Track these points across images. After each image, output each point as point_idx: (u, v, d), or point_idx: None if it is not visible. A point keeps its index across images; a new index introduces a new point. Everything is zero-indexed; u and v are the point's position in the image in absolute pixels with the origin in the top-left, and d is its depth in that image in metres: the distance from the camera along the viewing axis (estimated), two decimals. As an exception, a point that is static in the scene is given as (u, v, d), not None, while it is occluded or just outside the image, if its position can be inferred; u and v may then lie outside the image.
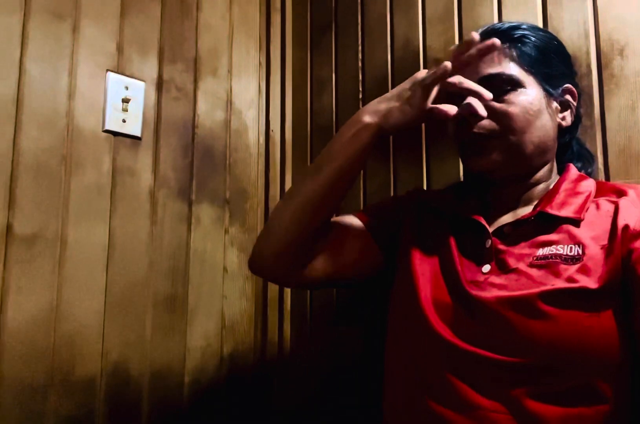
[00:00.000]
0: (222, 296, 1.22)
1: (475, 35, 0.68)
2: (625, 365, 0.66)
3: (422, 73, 0.71)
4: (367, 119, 0.73)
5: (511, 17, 0.98)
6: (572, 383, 0.64)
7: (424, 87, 0.69)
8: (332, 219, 0.85)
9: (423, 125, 1.09)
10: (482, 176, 0.79)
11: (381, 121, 0.72)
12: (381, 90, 1.18)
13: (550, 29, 0.93)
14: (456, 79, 0.68)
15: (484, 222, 0.76)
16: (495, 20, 1.00)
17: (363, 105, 1.22)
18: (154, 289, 1.10)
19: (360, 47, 1.24)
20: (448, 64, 0.67)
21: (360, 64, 1.23)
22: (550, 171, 0.79)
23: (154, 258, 1.11)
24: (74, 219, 1.00)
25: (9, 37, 0.96)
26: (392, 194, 1.14)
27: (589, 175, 0.82)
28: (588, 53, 0.90)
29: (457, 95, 0.72)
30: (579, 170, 0.81)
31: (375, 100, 0.75)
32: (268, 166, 1.35)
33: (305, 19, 1.39)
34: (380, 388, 0.83)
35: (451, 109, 0.68)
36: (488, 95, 0.68)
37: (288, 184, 1.36)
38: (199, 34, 1.25)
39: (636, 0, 0.86)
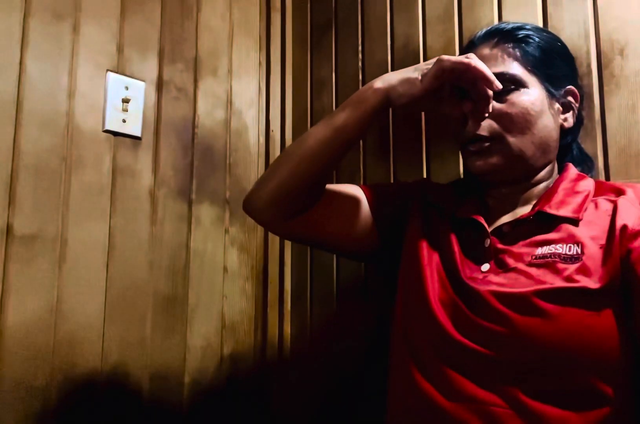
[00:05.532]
0: (222, 296, 1.22)
1: None
2: (626, 366, 0.66)
3: (447, 56, 0.71)
4: (378, 84, 0.75)
5: (511, 17, 0.98)
6: (572, 383, 0.64)
7: (442, 67, 0.70)
8: (335, 186, 0.86)
9: (423, 125, 1.09)
10: (483, 178, 0.80)
11: (390, 88, 0.74)
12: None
13: (550, 29, 0.93)
14: (475, 61, 0.69)
15: (483, 221, 0.76)
16: (496, 20, 1.00)
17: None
18: (154, 289, 1.10)
19: (360, 47, 1.24)
20: (478, 63, 0.68)
21: (360, 64, 1.23)
22: (552, 171, 0.80)
23: (154, 258, 1.11)
24: (74, 219, 1.00)
25: (9, 37, 0.96)
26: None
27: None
28: (588, 53, 0.90)
29: (461, 92, 0.73)
30: None
31: (393, 71, 0.77)
32: (268, 166, 1.35)
33: (305, 19, 1.38)
34: (380, 388, 0.83)
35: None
36: (498, 85, 0.70)
37: (288, 184, 1.36)
38: (199, 34, 1.25)
39: (636, 0, 0.86)
